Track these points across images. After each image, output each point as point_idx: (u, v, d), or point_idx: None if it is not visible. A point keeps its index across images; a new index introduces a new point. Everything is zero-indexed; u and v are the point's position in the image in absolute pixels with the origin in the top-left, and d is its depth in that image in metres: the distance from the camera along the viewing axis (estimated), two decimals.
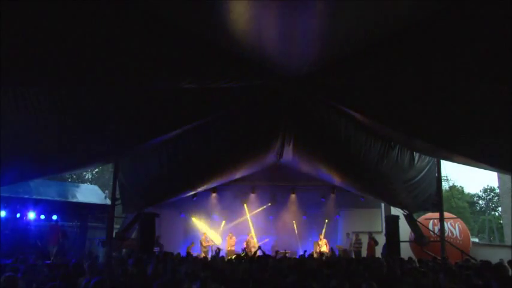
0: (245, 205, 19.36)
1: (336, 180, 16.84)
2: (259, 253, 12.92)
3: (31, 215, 16.13)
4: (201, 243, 17.93)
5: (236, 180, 17.86)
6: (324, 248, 17.66)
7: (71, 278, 7.42)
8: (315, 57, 7.91)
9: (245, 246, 17.45)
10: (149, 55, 6.87)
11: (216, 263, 10.14)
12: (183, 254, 13.91)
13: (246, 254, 13.21)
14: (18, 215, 15.97)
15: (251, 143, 13.65)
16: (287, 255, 14.53)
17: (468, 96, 8.00)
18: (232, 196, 19.15)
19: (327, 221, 19.22)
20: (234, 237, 18.58)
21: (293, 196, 19.36)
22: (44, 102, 7.78)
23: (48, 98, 7.77)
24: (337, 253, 16.92)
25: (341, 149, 13.21)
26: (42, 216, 16.62)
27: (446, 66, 7.05)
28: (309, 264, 9.16)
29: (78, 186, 22.87)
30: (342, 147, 13.03)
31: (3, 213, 15.07)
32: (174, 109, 9.74)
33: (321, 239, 18.30)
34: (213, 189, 18.46)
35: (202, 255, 15.65)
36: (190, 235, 18.96)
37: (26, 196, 16.24)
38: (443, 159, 14.64)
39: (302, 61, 8.12)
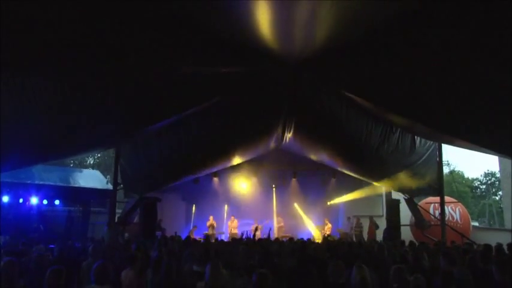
0: (247, 189, 19.44)
1: (337, 164, 16.88)
2: (262, 235, 12.99)
3: (34, 200, 16.22)
4: (209, 227, 18.02)
5: (238, 165, 17.90)
6: (329, 232, 17.81)
7: (75, 261, 7.51)
8: (316, 42, 7.88)
9: (252, 232, 17.55)
10: (149, 40, 6.85)
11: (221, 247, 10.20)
12: (185, 238, 13.98)
13: (254, 239, 13.24)
14: (21, 200, 16.06)
15: (251, 129, 13.66)
16: (286, 239, 14.60)
17: (469, 80, 7.98)
18: (233, 180, 19.23)
19: (328, 203, 19.34)
20: (236, 221, 18.70)
21: (294, 180, 19.43)
22: (45, 89, 7.78)
23: (49, 84, 7.77)
24: (338, 237, 17.03)
25: (341, 134, 13.23)
26: (45, 202, 16.71)
27: (448, 50, 7.03)
28: (311, 249, 9.21)
29: (80, 172, 22.95)
30: (343, 132, 13.05)
31: (6, 199, 15.16)
32: (174, 94, 9.73)
33: (326, 223, 18.43)
34: (215, 174, 18.51)
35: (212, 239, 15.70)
36: (192, 219, 19.06)
37: (29, 181, 16.30)
38: (444, 143, 14.65)
39: (302, 46, 8.09)
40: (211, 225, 18.07)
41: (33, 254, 7.67)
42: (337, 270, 5.34)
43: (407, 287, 4.91)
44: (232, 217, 18.80)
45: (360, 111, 12.32)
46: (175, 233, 13.79)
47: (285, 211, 19.60)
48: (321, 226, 18.60)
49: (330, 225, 18.39)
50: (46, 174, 17.62)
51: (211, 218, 18.35)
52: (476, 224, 28.75)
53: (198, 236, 16.25)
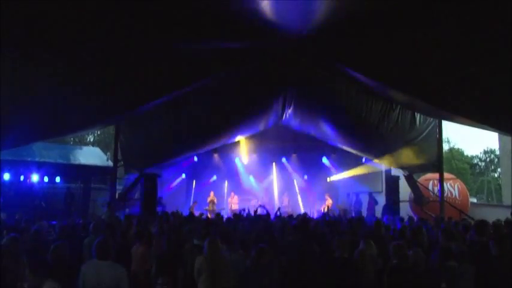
0: (246, 165, 19.50)
1: (337, 141, 16.89)
2: (261, 211, 13.07)
3: (34, 178, 16.28)
4: (210, 203, 18.14)
5: (238, 142, 17.91)
6: (329, 206, 17.93)
7: (77, 238, 7.59)
8: (317, 17, 7.80)
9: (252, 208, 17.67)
10: (148, 14, 6.77)
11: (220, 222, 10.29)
12: (185, 213, 14.09)
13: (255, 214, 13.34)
14: (21, 178, 16.12)
15: (252, 105, 13.62)
16: (287, 214, 14.71)
17: (469, 56, 7.93)
18: (233, 157, 19.27)
19: (328, 180, 19.44)
20: (236, 197, 18.82)
21: (294, 156, 19.47)
22: (44, 65, 7.73)
23: (49, 60, 7.71)
24: (337, 213, 17.17)
25: (342, 111, 13.20)
26: (46, 179, 16.78)
27: (449, 26, 6.97)
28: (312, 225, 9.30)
29: (80, 149, 22.95)
30: (343, 108, 13.02)
31: (7, 176, 15.20)
32: (174, 71, 9.67)
33: (326, 199, 18.57)
34: (215, 150, 18.54)
35: (209, 215, 15.82)
36: (192, 195, 19.17)
37: (29, 159, 16.34)
38: (444, 119, 14.62)
39: (303, 21, 8.00)
40: (212, 201, 18.19)
41: (32, 229, 7.76)
42: (342, 245, 5.41)
43: (406, 262, 4.97)
44: (232, 193, 18.92)
45: (361, 87, 12.27)
46: (177, 209, 13.89)
47: (285, 187, 19.70)
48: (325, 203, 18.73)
49: (330, 200, 18.51)
50: (46, 151, 17.64)
51: (212, 193, 18.45)
52: (475, 200, 28.92)
53: (198, 212, 16.36)
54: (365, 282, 5.03)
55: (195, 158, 18.36)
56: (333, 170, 19.53)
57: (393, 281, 4.69)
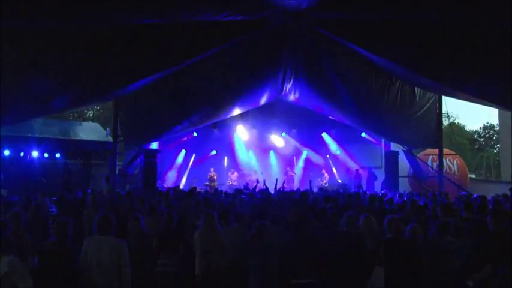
0: (246, 141, 19.50)
1: (337, 116, 16.86)
2: (260, 187, 13.13)
3: (35, 154, 16.29)
4: (210, 179, 18.21)
5: (237, 116, 17.85)
6: (325, 181, 18.00)
7: (76, 212, 7.63)
8: None
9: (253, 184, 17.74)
10: None
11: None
12: (185, 189, 14.15)
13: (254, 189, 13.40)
14: (22, 154, 16.13)
15: (251, 79, 13.56)
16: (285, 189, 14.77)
17: (470, 33, 7.87)
18: (233, 132, 19.26)
19: (328, 156, 19.47)
20: (236, 173, 18.88)
21: (294, 131, 19.45)
22: (44, 40, 7.67)
23: (48, 35, 7.66)
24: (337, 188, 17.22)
25: (341, 85, 13.16)
26: (46, 155, 16.80)
27: (450, 2, 6.90)
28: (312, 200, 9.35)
29: (80, 125, 22.89)
30: (343, 83, 12.97)
31: (7, 152, 15.21)
32: (175, 44, 9.61)
33: (324, 174, 18.64)
34: (214, 125, 18.50)
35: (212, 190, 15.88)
36: (192, 170, 19.20)
37: (29, 135, 16.31)
38: (444, 95, 14.57)
39: None
40: (212, 177, 18.25)
41: (32, 204, 7.83)
42: (350, 222, 5.46)
43: (401, 236, 5.00)
44: (232, 169, 18.97)
45: (361, 62, 12.20)
46: (178, 185, 13.94)
47: (285, 162, 19.73)
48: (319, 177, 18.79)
49: (327, 175, 18.57)
50: (46, 127, 17.60)
51: (212, 170, 18.50)
52: (474, 176, 29.05)
53: (198, 187, 16.43)
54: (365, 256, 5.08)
55: (195, 134, 18.34)
56: (332, 145, 19.51)
57: (388, 254, 4.72)
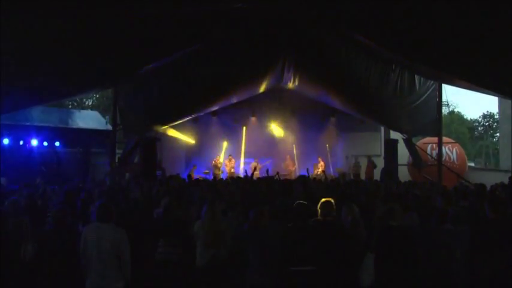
0: (244, 128, 19.50)
1: (337, 103, 16.84)
2: (261, 174, 13.13)
3: (34, 142, 16.28)
4: (214, 167, 18.22)
5: (236, 104, 17.83)
6: (322, 169, 17.96)
7: (76, 200, 7.65)
8: None
9: (252, 170, 17.75)
10: None
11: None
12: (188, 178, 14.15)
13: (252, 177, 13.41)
14: (21, 143, 16.12)
15: (251, 67, 13.52)
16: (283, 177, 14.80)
17: (471, 20, 7.83)
18: (232, 119, 19.25)
19: (327, 145, 19.47)
20: (233, 160, 18.89)
21: (293, 119, 19.44)
22: (43, 27, 7.63)
23: (47, 24, 7.62)
24: (336, 175, 17.25)
25: (341, 73, 13.13)
26: (45, 143, 16.79)
27: None
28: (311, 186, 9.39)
29: (79, 113, 22.88)
30: (342, 70, 12.95)
31: (6, 141, 15.20)
32: (174, 32, 9.56)
33: (319, 161, 18.65)
34: (213, 113, 18.48)
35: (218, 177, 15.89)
36: (191, 158, 19.23)
37: (28, 123, 16.30)
38: (444, 82, 14.55)
39: None
40: (215, 165, 18.27)
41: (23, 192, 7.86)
42: (350, 211, 5.49)
43: (396, 223, 5.01)
44: (230, 156, 18.96)
45: (361, 49, 12.17)
46: (178, 174, 13.95)
47: (285, 150, 19.73)
48: (316, 164, 18.79)
49: (323, 163, 18.56)
50: (45, 116, 17.60)
51: (217, 157, 18.54)
52: (473, 164, 29.11)
53: (197, 175, 16.46)
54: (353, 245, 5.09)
55: (194, 121, 18.36)
56: (332, 132, 19.50)
57: (380, 242, 4.71)
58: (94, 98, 36.50)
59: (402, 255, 4.56)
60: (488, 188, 8.77)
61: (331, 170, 18.80)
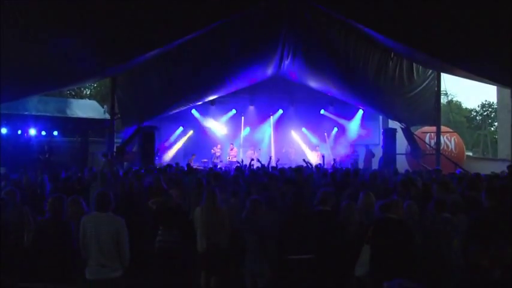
0: (242, 118, 19.48)
1: (335, 92, 16.81)
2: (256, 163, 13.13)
3: (32, 132, 16.25)
4: (214, 155, 18.24)
5: (234, 93, 17.79)
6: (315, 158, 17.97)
7: (75, 190, 7.66)
8: None
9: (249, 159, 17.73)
10: None
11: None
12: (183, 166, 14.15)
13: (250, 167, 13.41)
14: (19, 132, 16.08)
15: (249, 55, 13.47)
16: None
17: (470, 8, 7.80)
18: (230, 109, 19.23)
19: (326, 134, 19.48)
20: (235, 149, 18.88)
21: (292, 108, 19.42)
22: (40, 16, 7.58)
23: (45, 10, 7.56)
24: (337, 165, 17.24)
25: (340, 61, 13.11)
26: (43, 133, 16.75)
27: None
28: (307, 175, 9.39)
29: (77, 102, 22.80)
30: (341, 58, 12.92)
31: (4, 130, 15.17)
32: (172, 20, 9.50)
33: (317, 150, 18.68)
34: (212, 102, 18.44)
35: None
36: (190, 147, 19.21)
37: (26, 113, 16.24)
38: (443, 72, 14.53)
39: None
40: (216, 154, 18.28)
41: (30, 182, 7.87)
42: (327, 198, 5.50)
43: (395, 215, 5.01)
44: (231, 145, 18.95)
45: (359, 37, 12.14)
46: (177, 163, 13.94)
47: (283, 139, 19.74)
48: (315, 153, 18.81)
49: (319, 153, 18.55)
50: (42, 105, 17.53)
51: (218, 146, 18.55)
52: (471, 154, 29.19)
53: (196, 164, 16.46)
54: (347, 235, 5.10)
55: (193, 111, 18.32)
56: (330, 122, 19.50)
57: (376, 233, 4.69)
58: (92, 88, 36.35)
59: (397, 248, 4.55)
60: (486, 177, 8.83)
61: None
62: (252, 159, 12.79)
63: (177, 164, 13.08)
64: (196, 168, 12.57)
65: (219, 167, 15.13)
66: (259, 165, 12.19)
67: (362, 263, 4.71)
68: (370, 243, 4.64)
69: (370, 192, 5.85)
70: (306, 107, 19.26)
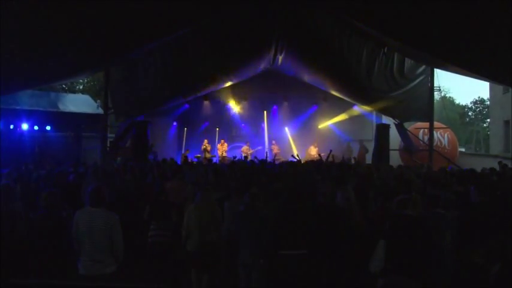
0: (238, 112, 19.46)
1: (328, 87, 16.80)
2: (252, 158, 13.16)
3: (24, 126, 16.14)
4: (204, 151, 18.20)
5: (228, 88, 17.75)
6: (314, 152, 17.98)
7: (70, 186, 7.63)
8: None
9: (243, 154, 17.74)
10: None
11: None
12: (177, 161, 14.13)
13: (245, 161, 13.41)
14: (12, 127, 15.97)
15: (243, 50, 13.44)
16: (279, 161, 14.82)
17: (464, 5, 7.83)
18: (224, 103, 19.20)
19: (319, 127, 19.51)
20: (226, 144, 18.87)
21: (285, 104, 19.41)
22: (32, 11, 7.54)
23: (37, 6, 7.52)
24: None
25: (333, 55, 13.13)
26: (36, 127, 16.65)
27: None
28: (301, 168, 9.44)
29: (69, 96, 22.70)
30: (334, 54, 12.94)
31: None
32: (165, 15, 9.47)
33: (314, 146, 18.68)
34: (205, 97, 18.39)
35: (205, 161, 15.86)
36: (183, 142, 19.19)
37: (18, 107, 16.13)
38: (436, 67, 14.58)
39: None
40: (206, 149, 18.25)
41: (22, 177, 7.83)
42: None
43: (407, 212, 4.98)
44: (222, 140, 18.94)
45: (353, 31, 12.16)
46: (171, 158, 13.92)
47: (276, 135, 19.73)
48: (309, 148, 18.83)
49: (316, 149, 18.56)
50: (34, 99, 17.42)
51: (205, 141, 18.50)
52: (463, 149, 29.33)
53: (190, 159, 16.43)
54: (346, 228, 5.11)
55: (186, 105, 18.29)
56: (324, 116, 19.51)
57: (392, 229, 4.63)
58: (84, 82, 36.10)
59: (413, 244, 4.47)
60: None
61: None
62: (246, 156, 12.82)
63: (171, 158, 13.07)
64: (192, 162, 12.57)
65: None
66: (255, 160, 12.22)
67: (378, 259, 4.65)
68: (386, 239, 4.53)
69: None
70: (300, 103, 19.24)
